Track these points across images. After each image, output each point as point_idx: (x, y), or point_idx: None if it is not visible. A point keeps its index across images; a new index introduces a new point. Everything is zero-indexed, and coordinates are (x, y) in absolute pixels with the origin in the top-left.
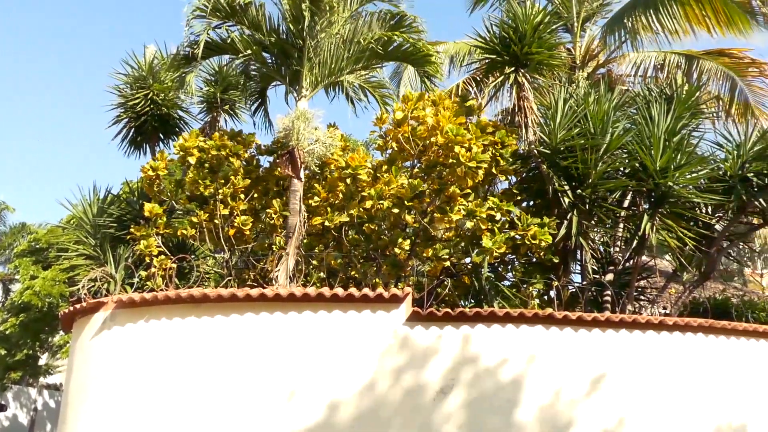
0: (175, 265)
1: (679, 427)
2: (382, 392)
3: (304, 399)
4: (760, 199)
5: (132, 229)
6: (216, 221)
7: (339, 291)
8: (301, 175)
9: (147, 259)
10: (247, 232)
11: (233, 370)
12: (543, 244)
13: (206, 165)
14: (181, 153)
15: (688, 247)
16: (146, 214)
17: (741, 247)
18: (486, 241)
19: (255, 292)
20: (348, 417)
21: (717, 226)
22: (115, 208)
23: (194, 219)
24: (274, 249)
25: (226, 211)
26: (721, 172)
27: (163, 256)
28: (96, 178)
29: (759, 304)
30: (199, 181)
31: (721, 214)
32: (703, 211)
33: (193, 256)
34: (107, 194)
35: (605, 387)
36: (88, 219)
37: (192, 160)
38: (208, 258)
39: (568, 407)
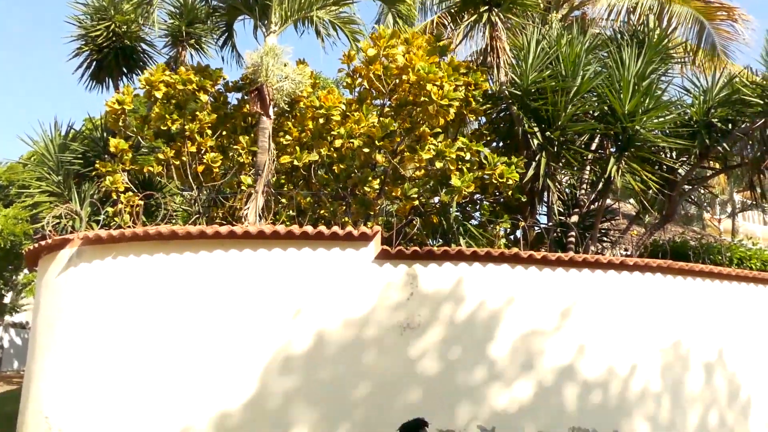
0: (142, 203)
1: (634, 356)
2: (352, 329)
3: (274, 335)
4: (723, 144)
5: (97, 165)
6: (183, 158)
7: (308, 229)
8: (270, 112)
9: (114, 196)
10: (216, 170)
11: (202, 307)
12: (510, 182)
13: (173, 100)
14: (147, 87)
15: (651, 190)
16: (112, 149)
17: (702, 192)
18: (455, 181)
19: (224, 229)
20: (317, 354)
21: (680, 171)
22: (78, 144)
23: (161, 156)
24: (243, 187)
25: (193, 148)
26: (686, 117)
27: (130, 193)
28: (57, 113)
29: (715, 247)
30: (166, 116)
31: (684, 159)
32: (668, 155)
33: (160, 194)
34: (69, 130)
35: (569, 322)
36: (51, 155)
37: (158, 94)
38: (176, 195)
39: (533, 341)
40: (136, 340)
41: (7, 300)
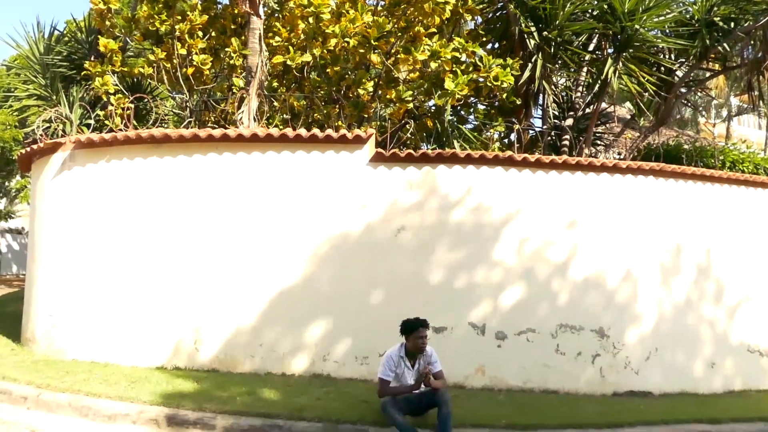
0: (132, 106)
1: (625, 257)
2: (346, 230)
3: (267, 237)
4: (724, 44)
5: (87, 65)
6: (174, 60)
7: (302, 132)
8: (261, 12)
9: (104, 98)
10: (207, 72)
11: (195, 210)
12: (505, 85)
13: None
14: None
15: (647, 93)
16: (101, 49)
17: (698, 95)
18: (449, 83)
19: (218, 132)
20: (310, 253)
21: (678, 73)
22: (63, 46)
23: (151, 57)
24: (235, 90)
25: (183, 50)
26: (687, 16)
27: (120, 95)
28: (38, 13)
29: (709, 150)
30: (155, 16)
31: (683, 60)
32: (666, 56)
33: (150, 97)
34: (53, 31)
35: (561, 225)
36: (36, 57)
37: None
38: (167, 99)
39: (526, 243)
40: (131, 241)
41: (1, 206)
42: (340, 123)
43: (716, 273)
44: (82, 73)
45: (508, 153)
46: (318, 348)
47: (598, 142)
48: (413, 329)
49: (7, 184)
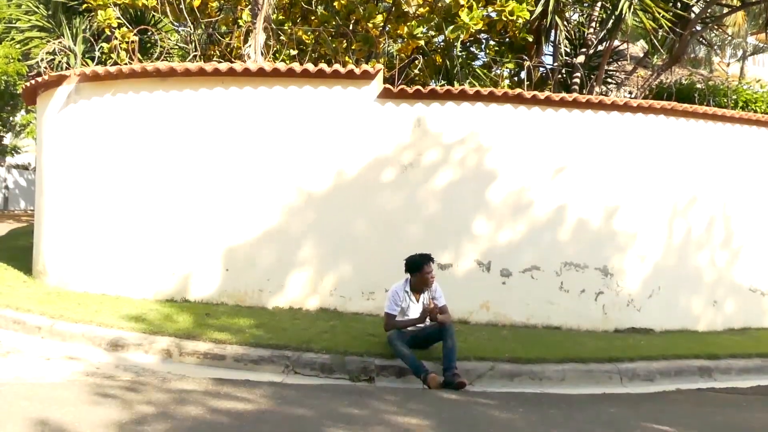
0: (137, 38)
1: (634, 197)
2: (353, 166)
3: (275, 172)
4: None
5: None
6: None
7: (309, 67)
8: None
9: (107, 31)
10: (212, 4)
11: (203, 144)
12: (520, 21)
13: None
14: None
15: (662, 29)
16: None
17: (714, 33)
18: (464, 16)
19: (224, 66)
20: (317, 190)
21: (695, 8)
22: None
23: None
24: (240, 23)
25: None
26: None
27: (124, 29)
28: None
29: (721, 90)
30: None
31: None
32: None
33: (155, 29)
34: None
35: (570, 163)
36: None
37: None
38: (171, 32)
39: (534, 181)
40: (138, 175)
41: (6, 141)
42: (347, 58)
43: (724, 214)
44: (83, 6)
45: (518, 90)
46: (325, 283)
47: (610, 80)
48: (419, 266)
49: (12, 119)
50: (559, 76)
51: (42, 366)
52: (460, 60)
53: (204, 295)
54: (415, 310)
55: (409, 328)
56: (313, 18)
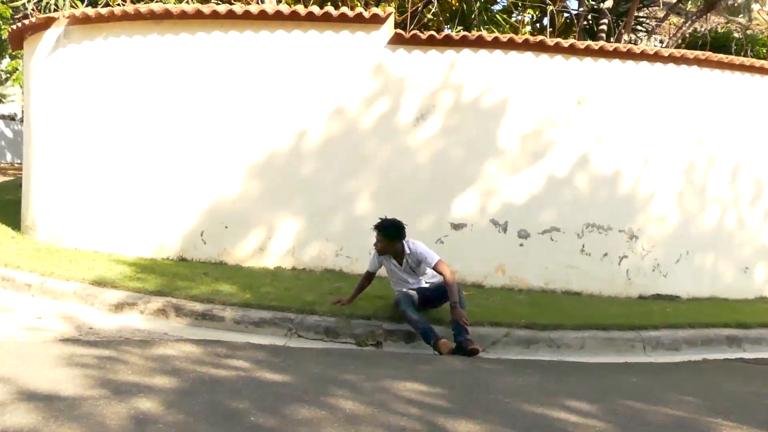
0: None
1: (662, 152)
2: (360, 115)
3: (276, 120)
4: None
5: None
6: None
7: (315, 9)
8: None
9: None
10: None
11: (200, 91)
12: None
13: None
14: None
15: None
16: None
17: None
18: None
19: (223, 8)
20: (324, 140)
21: None
22: None
23: None
24: None
25: None
26: None
27: None
28: None
29: (761, 39)
30: None
31: None
32: None
33: None
34: None
35: (594, 117)
36: None
37: None
38: None
39: (554, 136)
40: (132, 123)
41: None
42: (356, 1)
43: (759, 173)
44: None
45: (540, 37)
46: (330, 242)
47: (639, 27)
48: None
49: None
50: (585, 22)
51: (33, 325)
52: (478, 4)
53: (202, 254)
54: (405, 274)
55: (416, 287)
56: None
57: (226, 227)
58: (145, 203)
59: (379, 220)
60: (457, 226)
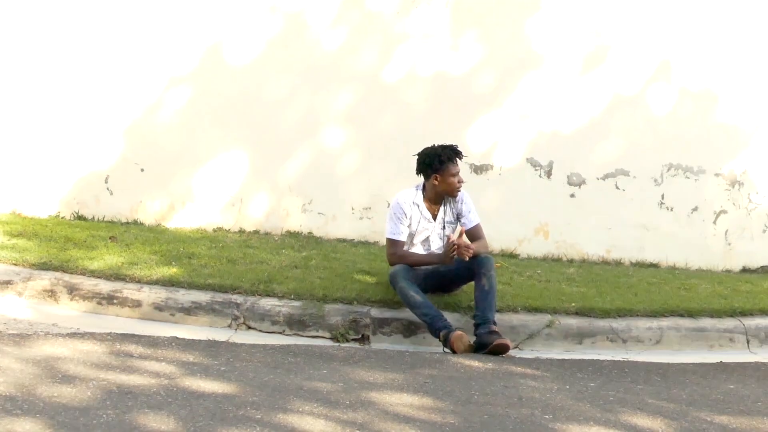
0: None
1: None
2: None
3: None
4: None
5: None
6: None
7: None
8: None
9: None
10: None
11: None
12: None
13: None
14: None
15: None
16: None
17: None
18: None
19: None
20: (281, 36)
21: None
22: None
23: None
24: None
25: None
26: None
27: None
28: None
29: None
30: None
31: None
32: None
33: None
34: None
35: (682, 9)
36: None
37: None
38: None
39: (621, 34)
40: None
41: None
42: None
43: None
44: None
45: None
46: (294, 192)
47: None
48: (441, 163)
49: None
50: None
51: None
52: None
53: (108, 210)
54: (434, 234)
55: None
56: None
57: (143, 170)
58: (39, 148)
59: (439, 148)
60: (478, 169)
